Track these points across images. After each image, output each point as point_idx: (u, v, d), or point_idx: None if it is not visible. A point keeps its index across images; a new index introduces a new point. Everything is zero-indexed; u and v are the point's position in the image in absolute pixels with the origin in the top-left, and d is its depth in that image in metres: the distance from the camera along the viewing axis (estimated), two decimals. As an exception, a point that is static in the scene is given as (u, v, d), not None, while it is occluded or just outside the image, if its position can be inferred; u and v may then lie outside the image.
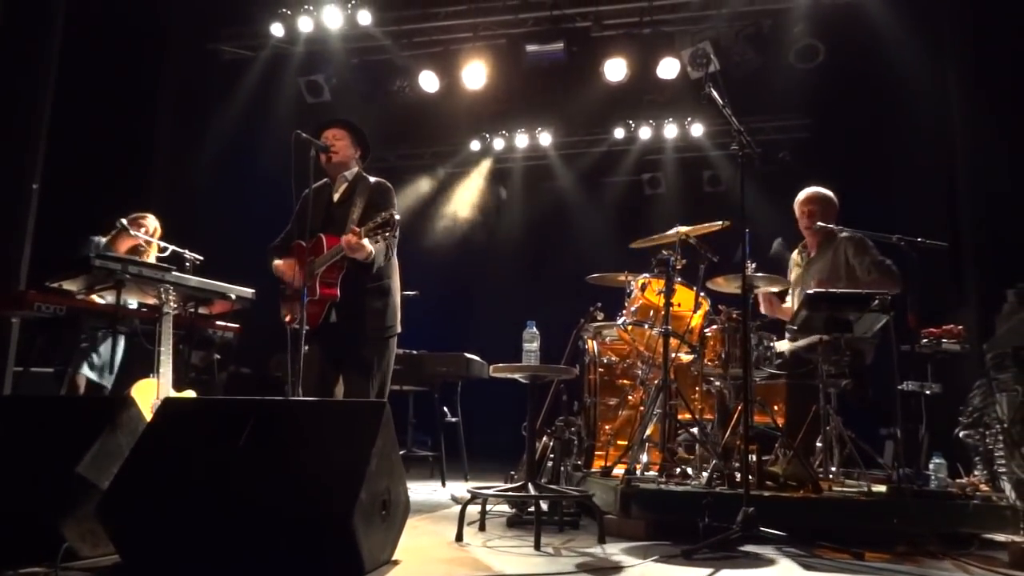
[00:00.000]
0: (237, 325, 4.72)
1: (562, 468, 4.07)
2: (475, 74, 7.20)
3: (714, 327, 3.97)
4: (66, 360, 4.23)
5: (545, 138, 8.93)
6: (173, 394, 3.89)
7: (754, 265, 3.78)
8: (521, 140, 8.99)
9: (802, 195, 4.48)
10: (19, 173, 5.30)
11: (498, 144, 9.11)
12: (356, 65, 7.64)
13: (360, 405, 3.04)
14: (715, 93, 3.35)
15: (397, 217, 3.41)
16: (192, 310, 4.30)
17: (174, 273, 4.06)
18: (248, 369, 6.39)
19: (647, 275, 4.26)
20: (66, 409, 2.95)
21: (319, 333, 3.52)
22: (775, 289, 4.39)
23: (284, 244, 3.78)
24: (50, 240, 5.30)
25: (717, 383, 3.98)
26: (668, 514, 3.23)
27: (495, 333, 5.49)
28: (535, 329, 3.45)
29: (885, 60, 6.37)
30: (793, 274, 4.55)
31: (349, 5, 7.00)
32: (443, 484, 5.49)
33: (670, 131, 8.47)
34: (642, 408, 4.21)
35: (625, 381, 4.61)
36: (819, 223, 4.27)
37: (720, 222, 4.03)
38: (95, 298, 4.16)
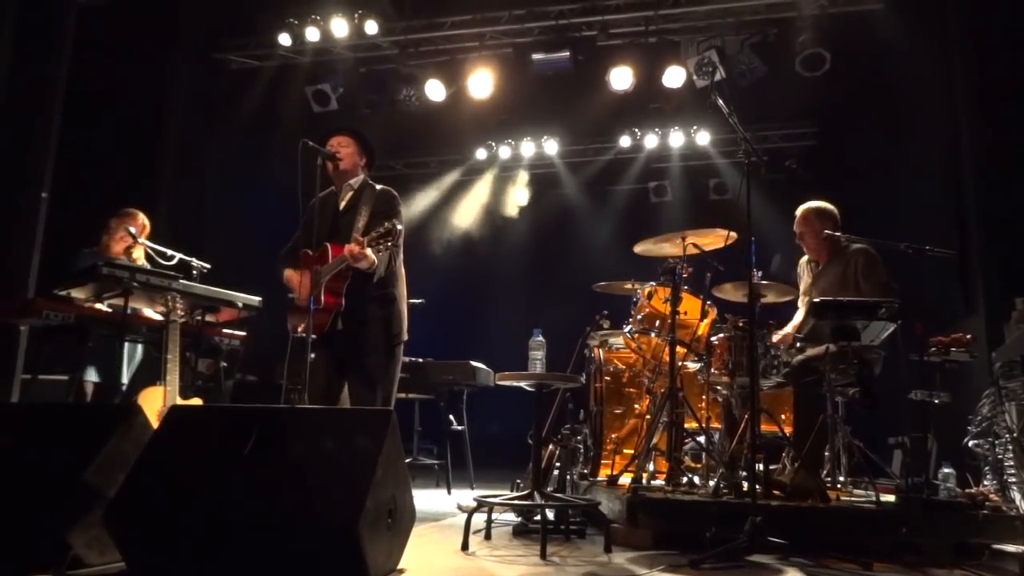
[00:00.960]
0: (244, 333, 4.73)
1: (568, 477, 4.06)
2: (481, 83, 7.22)
3: (721, 335, 3.95)
4: (74, 367, 4.25)
5: (551, 146, 8.95)
6: (180, 402, 3.89)
7: (760, 273, 3.77)
8: (527, 148, 9.01)
9: (801, 210, 4.42)
10: (28, 182, 5.34)
11: (504, 152, 9.13)
12: (363, 74, 7.69)
13: (366, 413, 3.04)
14: (721, 101, 3.35)
15: (400, 227, 3.41)
16: (199, 318, 4.31)
17: (181, 281, 4.07)
18: (254, 377, 6.41)
19: (653, 283, 4.25)
20: (73, 416, 2.96)
21: (325, 341, 3.52)
22: (783, 299, 4.37)
23: (292, 252, 3.79)
24: (59, 249, 5.33)
25: (724, 391, 3.96)
26: (675, 523, 3.21)
27: (501, 341, 5.50)
28: (541, 337, 3.45)
29: (891, 68, 6.37)
30: (803, 282, 4.53)
31: (356, 15, 7.05)
32: (449, 492, 5.48)
33: (676, 139, 8.48)
34: (648, 416, 4.20)
35: (631, 389, 4.60)
36: (827, 231, 4.25)
37: (725, 234, 4.01)
38: (100, 306, 4.19)
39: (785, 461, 3.66)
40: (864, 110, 7.15)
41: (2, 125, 5.21)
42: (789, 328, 4.46)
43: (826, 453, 3.73)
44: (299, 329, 3.57)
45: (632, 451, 4.27)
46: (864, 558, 2.85)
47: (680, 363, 3.93)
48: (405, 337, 3.72)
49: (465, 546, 3.09)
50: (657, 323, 4.15)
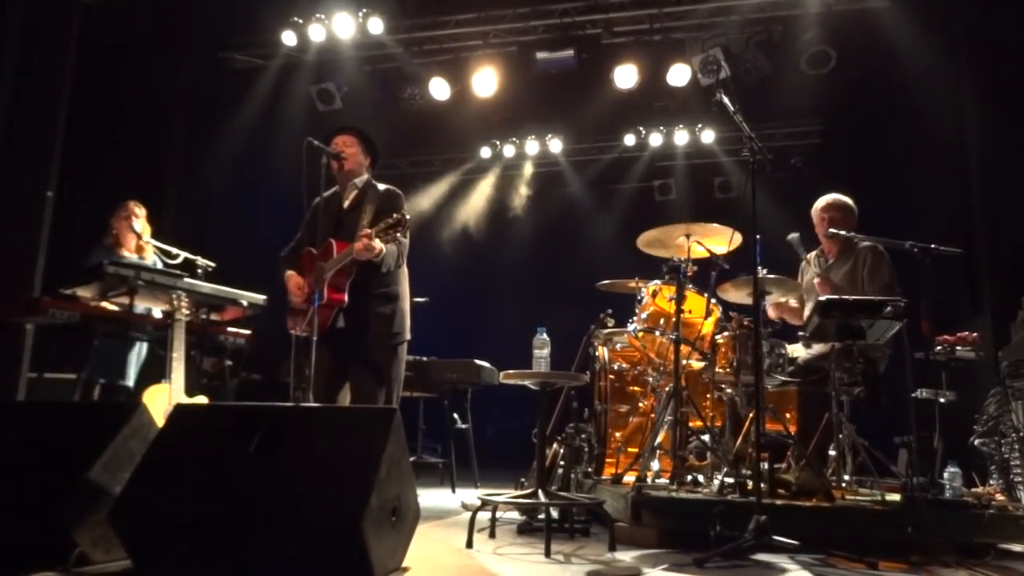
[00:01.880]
0: (249, 331, 4.74)
1: (572, 475, 4.05)
2: (486, 81, 7.22)
3: (725, 334, 3.95)
4: (80, 366, 4.26)
5: (555, 145, 8.94)
6: (185, 400, 3.90)
7: (765, 271, 3.76)
8: (531, 147, 9.01)
9: (822, 201, 4.45)
10: (34, 181, 5.36)
11: (508, 151, 9.13)
12: (367, 73, 7.69)
13: (370, 411, 3.04)
14: (726, 99, 3.35)
15: (408, 217, 3.42)
16: (204, 316, 4.32)
17: (186, 280, 4.08)
18: (259, 375, 6.42)
19: (658, 281, 4.25)
20: (79, 415, 2.97)
21: (327, 339, 3.52)
22: (784, 299, 4.36)
23: (293, 253, 3.79)
24: (64, 248, 5.35)
25: (728, 390, 3.95)
26: (679, 522, 3.21)
27: (505, 340, 5.49)
28: (545, 336, 3.44)
29: (897, 65, 6.34)
30: (807, 277, 4.52)
31: (360, 14, 7.05)
32: (453, 491, 5.48)
33: (681, 138, 8.46)
34: (653, 415, 4.19)
35: (636, 388, 4.60)
36: (832, 230, 4.25)
37: (729, 230, 3.99)
38: (106, 305, 4.19)
39: (790, 460, 3.65)
40: (870, 108, 7.13)
41: (8, 124, 5.23)
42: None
43: (831, 452, 3.72)
44: (297, 328, 3.58)
45: (636, 450, 4.26)
46: (869, 557, 2.85)
47: (685, 361, 3.93)
48: (408, 337, 3.72)
49: (469, 544, 3.09)
50: (661, 321, 4.15)
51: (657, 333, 4.16)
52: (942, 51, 6.18)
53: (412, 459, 3.25)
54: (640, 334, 4.26)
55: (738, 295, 4.01)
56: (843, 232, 4.22)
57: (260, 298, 4.40)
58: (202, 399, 4.10)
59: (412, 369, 5.53)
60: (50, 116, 5.46)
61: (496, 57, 7.25)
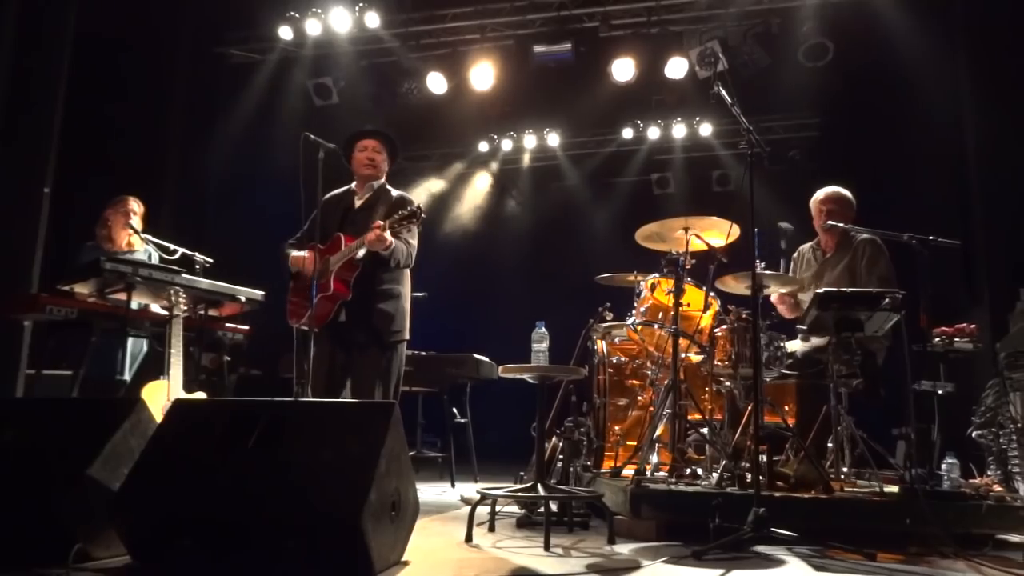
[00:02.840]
0: (247, 327, 4.74)
1: (572, 469, 4.06)
2: (483, 75, 7.20)
3: (724, 327, 3.95)
4: (78, 362, 4.26)
5: (553, 139, 8.93)
6: (183, 396, 3.90)
7: (763, 264, 3.76)
8: (529, 141, 8.99)
9: (820, 194, 4.45)
10: (30, 177, 5.34)
11: (506, 145, 9.11)
12: (364, 67, 7.66)
13: (369, 406, 3.04)
14: (724, 92, 3.34)
15: (422, 210, 3.44)
16: (202, 312, 4.31)
17: (184, 276, 4.08)
18: (258, 371, 6.42)
19: (656, 275, 4.25)
20: (78, 411, 2.97)
21: (328, 332, 3.53)
22: (784, 290, 4.37)
23: (300, 242, 3.80)
24: (61, 244, 5.33)
25: (727, 383, 3.96)
26: (678, 515, 3.22)
27: (504, 334, 5.49)
28: (544, 330, 3.44)
29: (895, 57, 6.33)
30: (802, 270, 4.52)
31: (357, 8, 7.02)
32: (452, 485, 5.49)
33: (679, 131, 8.45)
34: (652, 408, 4.20)
35: (635, 381, 4.60)
36: (830, 222, 4.25)
37: (728, 223, 3.99)
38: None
39: (788, 452, 3.66)
40: (867, 100, 7.12)
41: (4, 120, 5.21)
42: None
43: (829, 444, 3.73)
44: (298, 321, 3.58)
45: (635, 443, 4.27)
46: (868, 549, 2.85)
47: (683, 355, 3.93)
48: (407, 336, 3.72)
49: (469, 538, 3.10)
50: (660, 315, 4.15)
51: (656, 326, 4.16)
52: (939, 43, 6.17)
53: (411, 453, 3.26)
54: (639, 327, 4.26)
55: (738, 287, 4.02)
56: (841, 224, 4.22)
57: (258, 293, 4.40)
58: (201, 395, 4.10)
59: (411, 363, 5.52)
60: (47, 112, 5.44)
61: (493, 51, 7.23)
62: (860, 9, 6.46)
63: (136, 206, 4.76)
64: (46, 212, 5.34)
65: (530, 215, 9.58)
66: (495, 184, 9.60)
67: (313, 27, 7.13)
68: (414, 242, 3.63)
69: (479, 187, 9.63)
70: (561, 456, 4.08)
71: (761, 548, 2.94)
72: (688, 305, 4.05)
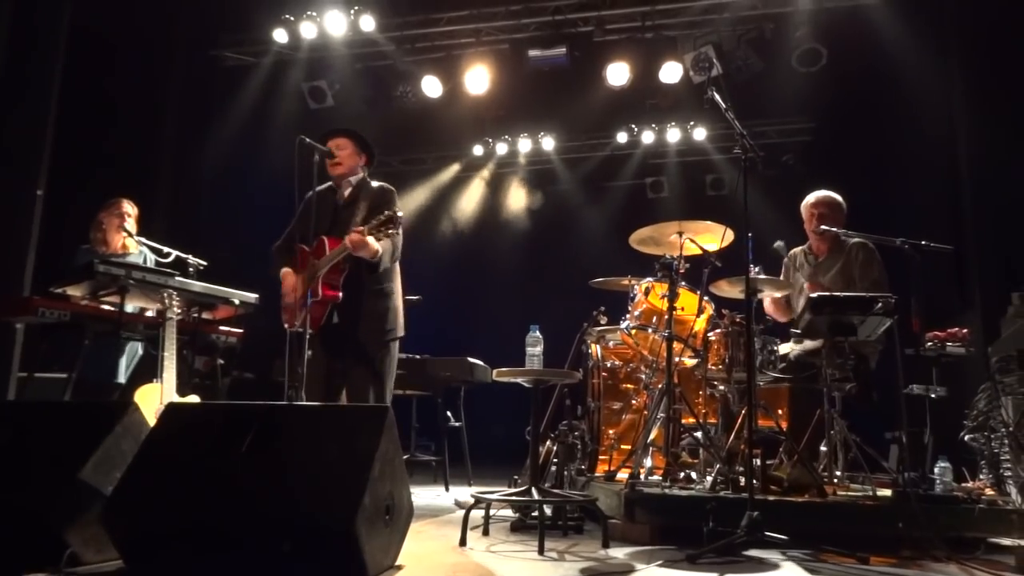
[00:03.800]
0: (240, 330, 4.72)
1: (566, 473, 4.06)
2: (478, 79, 7.21)
3: (718, 331, 3.96)
4: (71, 365, 4.24)
5: (548, 142, 8.94)
6: (176, 399, 3.89)
7: (758, 268, 3.77)
8: (524, 145, 9.00)
9: (811, 198, 4.46)
10: (23, 179, 5.32)
11: (501, 149, 9.12)
12: (359, 71, 7.66)
13: (363, 410, 3.03)
14: (718, 97, 3.35)
15: (400, 214, 3.42)
16: (196, 315, 4.30)
17: (178, 278, 4.06)
18: (251, 374, 6.40)
19: (650, 279, 4.25)
20: (70, 414, 2.96)
21: (322, 335, 3.52)
22: (779, 294, 4.38)
23: (287, 245, 3.78)
24: (55, 247, 5.31)
25: (721, 387, 3.97)
26: (672, 518, 3.22)
27: (498, 337, 5.49)
28: (538, 333, 3.45)
29: (888, 63, 6.37)
30: (796, 276, 4.53)
31: (352, 11, 7.03)
32: (447, 489, 5.48)
33: (673, 135, 8.48)
34: (646, 412, 4.20)
35: (629, 385, 4.61)
36: (823, 227, 4.26)
37: (721, 227, 4.00)
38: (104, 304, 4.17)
39: (782, 456, 3.67)
40: (861, 105, 7.15)
41: (-2, 122, 5.20)
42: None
43: (823, 448, 3.74)
44: (293, 324, 3.58)
45: (629, 447, 4.27)
46: (861, 552, 2.86)
47: (677, 359, 3.94)
48: (401, 333, 3.72)
49: (463, 542, 3.09)
50: (654, 319, 4.15)
51: (650, 330, 4.16)
52: (932, 48, 6.21)
53: (405, 457, 3.25)
54: (633, 331, 4.26)
55: (732, 291, 4.02)
56: (833, 229, 4.24)
57: (252, 297, 4.39)
58: (194, 398, 4.09)
59: (405, 367, 5.52)
60: (41, 114, 5.42)
61: (488, 55, 7.24)
62: (853, 15, 6.50)
63: (130, 208, 4.75)
64: (39, 214, 5.31)
65: (525, 219, 9.58)
66: (489, 188, 9.60)
67: (308, 30, 7.12)
68: (399, 237, 3.62)
69: (473, 191, 9.63)
70: (555, 460, 4.08)
71: (755, 552, 2.95)
72: (682, 309, 4.06)
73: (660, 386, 3.89)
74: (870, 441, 3.87)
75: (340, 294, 3.52)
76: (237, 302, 4.30)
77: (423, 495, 5.05)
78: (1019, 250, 5.17)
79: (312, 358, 3.38)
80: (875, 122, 7.13)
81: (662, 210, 8.70)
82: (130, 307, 4.20)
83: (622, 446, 4.39)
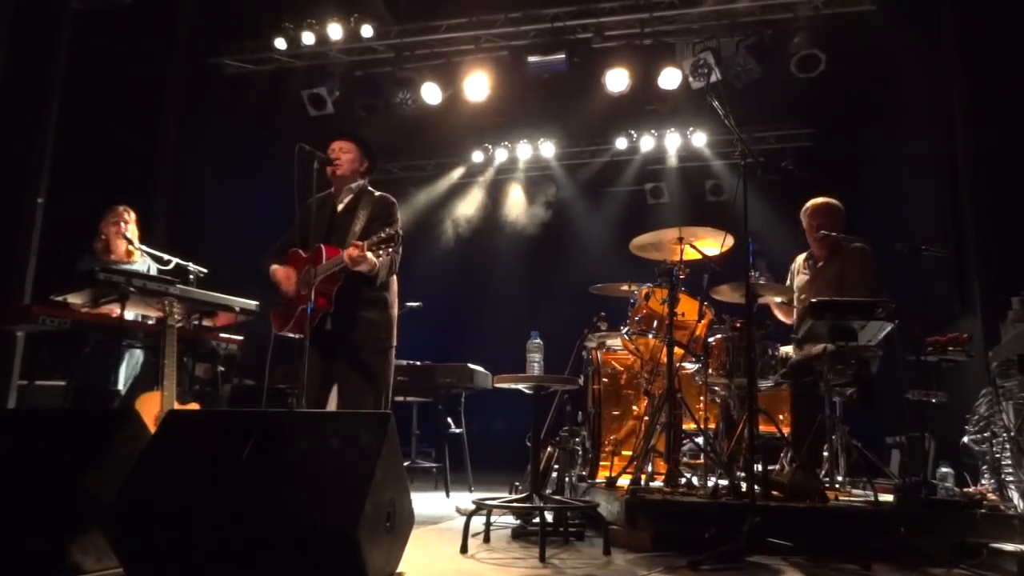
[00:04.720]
0: (241, 337, 4.72)
1: (567, 479, 4.06)
2: (477, 86, 7.23)
3: (718, 336, 3.96)
4: (71, 373, 4.24)
5: (547, 149, 8.96)
6: (177, 406, 3.88)
7: (757, 273, 3.77)
8: (524, 151, 9.02)
9: (810, 205, 4.48)
10: (24, 188, 5.33)
11: (501, 155, 9.14)
12: (359, 78, 7.68)
13: (364, 417, 3.03)
14: (717, 103, 3.36)
15: (400, 233, 3.41)
16: (196, 322, 4.30)
17: (178, 286, 4.07)
18: (252, 381, 6.39)
19: (651, 284, 4.26)
20: (70, 422, 2.95)
21: (314, 341, 3.51)
22: (779, 299, 4.38)
23: (282, 249, 3.77)
24: (55, 254, 5.31)
25: (722, 392, 3.96)
26: (674, 524, 3.21)
27: (499, 344, 5.49)
28: (539, 339, 3.45)
29: (886, 68, 6.39)
30: (797, 281, 4.54)
31: (351, 19, 7.05)
32: (447, 495, 5.47)
33: (672, 141, 8.49)
34: (647, 418, 4.20)
35: (629, 391, 4.60)
36: (822, 231, 4.27)
37: (722, 232, 4.01)
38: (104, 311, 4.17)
39: (783, 461, 3.66)
40: (860, 110, 7.17)
41: (-2, 130, 5.21)
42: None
43: (824, 453, 3.73)
44: (282, 329, 3.57)
45: (630, 453, 4.27)
46: (863, 558, 2.85)
47: (678, 364, 3.94)
48: (394, 342, 3.71)
49: (464, 549, 3.09)
50: (655, 324, 4.15)
51: (650, 336, 4.16)
52: (931, 53, 6.22)
53: (406, 464, 3.25)
54: (633, 337, 4.26)
55: (732, 296, 4.03)
56: (833, 234, 4.25)
57: (252, 303, 4.39)
58: (194, 406, 4.08)
59: (406, 373, 5.52)
60: (41, 122, 5.43)
61: (487, 61, 7.26)
62: (852, 21, 6.51)
63: (127, 214, 4.76)
64: (39, 222, 5.32)
65: (525, 225, 9.59)
66: (489, 194, 9.61)
67: (308, 38, 7.15)
68: (397, 255, 3.61)
69: (473, 197, 9.65)
70: (556, 466, 4.08)
71: (756, 558, 2.94)
72: (682, 314, 4.06)
73: (661, 392, 3.89)
74: (871, 446, 3.87)
75: (332, 306, 3.51)
76: (237, 309, 4.31)
77: (424, 502, 5.04)
78: (1018, 255, 5.17)
79: (307, 365, 3.38)
80: (874, 127, 7.15)
81: (662, 216, 8.71)
82: (131, 315, 4.21)
83: (623, 452, 4.39)
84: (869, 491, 3.67)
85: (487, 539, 3.37)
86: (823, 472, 3.69)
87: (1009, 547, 3.16)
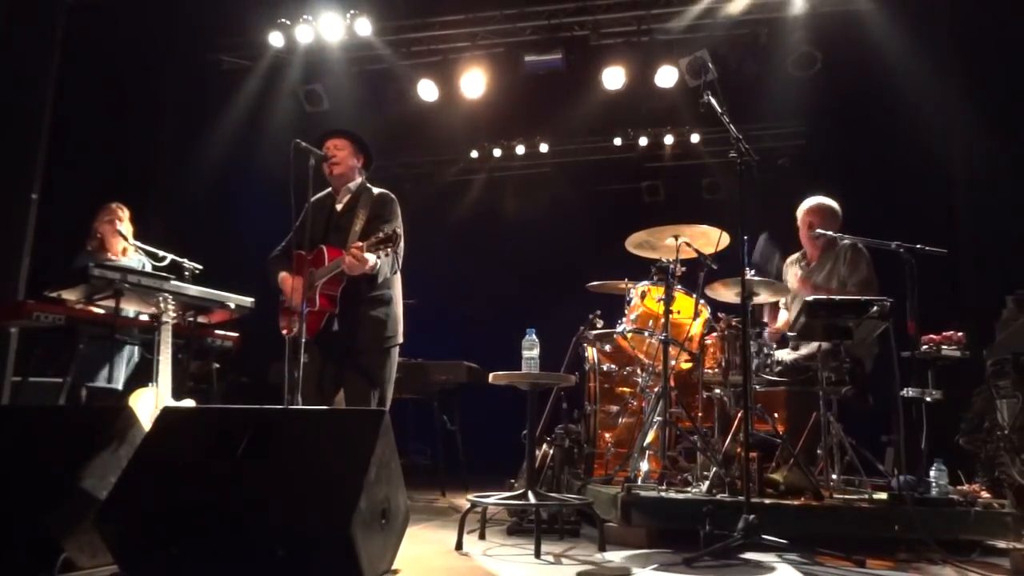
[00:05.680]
0: (236, 334, 4.71)
1: (562, 476, 4.06)
2: (474, 83, 7.22)
3: (714, 334, 3.96)
4: (65, 370, 4.23)
5: (544, 146, 8.95)
6: (172, 403, 3.87)
7: (753, 271, 3.77)
8: (520, 148, 9.01)
9: (805, 205, 4.48)
10: (18, 183, 5.30)
11: (497, 152, 9.13)
12: (355, 74, 7.66)
13: (359, 413, 3.03)
14: (713, 101, 3.36)
15: (400, 233, 3.40)
16: (191, 319, 4.29)
17: (173, 282, 4.05)
18: (247, 378, 6.38)
19: (647, 283, 4.26)
20: (65, 419, 2.95)
21: (319, 343, 3.50)
22: (774, 298, 4.39)
23: (285, 254, 3.76)
24: (49, 250, 5.29)
25: (717, 391, 3.97)
26: (669, 522, 3.22)
27: (494, 341, 5.48)
28: (535, 337, 3.44)
29: (882, 67, 6.39)
30: (790, 282, 4.55)
31: (348, 15, 7.03)
32: (443, 493, 5.47)
33: (668, 139, 8.49)
34: (642, 416, 4.20)
35: (625, 389, 4.61)
36: (818, 230, 4.28)
37: (718, 231, 4.01)
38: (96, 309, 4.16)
39: (778, 459, 3.67)
40: (856, 109, 7.17)
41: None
42: (780, 324, 4.48)
43: (819, 451, 3.74)
44: (291, 330, 3.56)
45: (626, 450, 4.27)
46: (857, 555, 2.87)
47: (673, 362, 3.94)
48: (400, 340, 3.70)
49: (459, 546, 3.09)
50: (651, 322, 4.16)
51: (646, 334, 4.17)
52: (928, 52, 6.23)
53: (401, 461, 3.24)
54: (629, 335, 4.27)
55: (728, 294, 4.03)
56: (829, 233, 4.25)
57: (247, 300, 4.37)
58: (189, 402, 4.08)
59: (401, 370, 5.48)
60: (35, 118, 5.41)
61: (484, 59, 7.24)
62: (848, 19, 6.51)
63: (121, 211, 4.75)
64: (33, 218, 5.30)
65: (520, 222, 9.58)
66: (485, 191, 9.61)
67: (304, 34, 7.11)
68: (399, 253, 3.60)
69: (469, 194, 9.64)
70: (552, 463, 4.08)
71: (751, 555, 2.95)
72: (678, 312, 4.07)
73: (656, 389, 3.90)
74: (866, 444, 3.88)
75: (336, 308, 3.50)
76: (233, 306, 4.29)
77: (419, 499, 5.04)
78: (1013, 254, 5.19)
79: (307, 364, 3.37)
80: (870, 126, 7.15)
81: (658, 214, 8.71)
82: (128, 311, 4.20)
83: (619, 450, 4.39)
84: (864, 489, 3.69)
85: (482, 536, 3.38)
86: (818, 470, 3.70)
87: (1002, 544, 3.17)
